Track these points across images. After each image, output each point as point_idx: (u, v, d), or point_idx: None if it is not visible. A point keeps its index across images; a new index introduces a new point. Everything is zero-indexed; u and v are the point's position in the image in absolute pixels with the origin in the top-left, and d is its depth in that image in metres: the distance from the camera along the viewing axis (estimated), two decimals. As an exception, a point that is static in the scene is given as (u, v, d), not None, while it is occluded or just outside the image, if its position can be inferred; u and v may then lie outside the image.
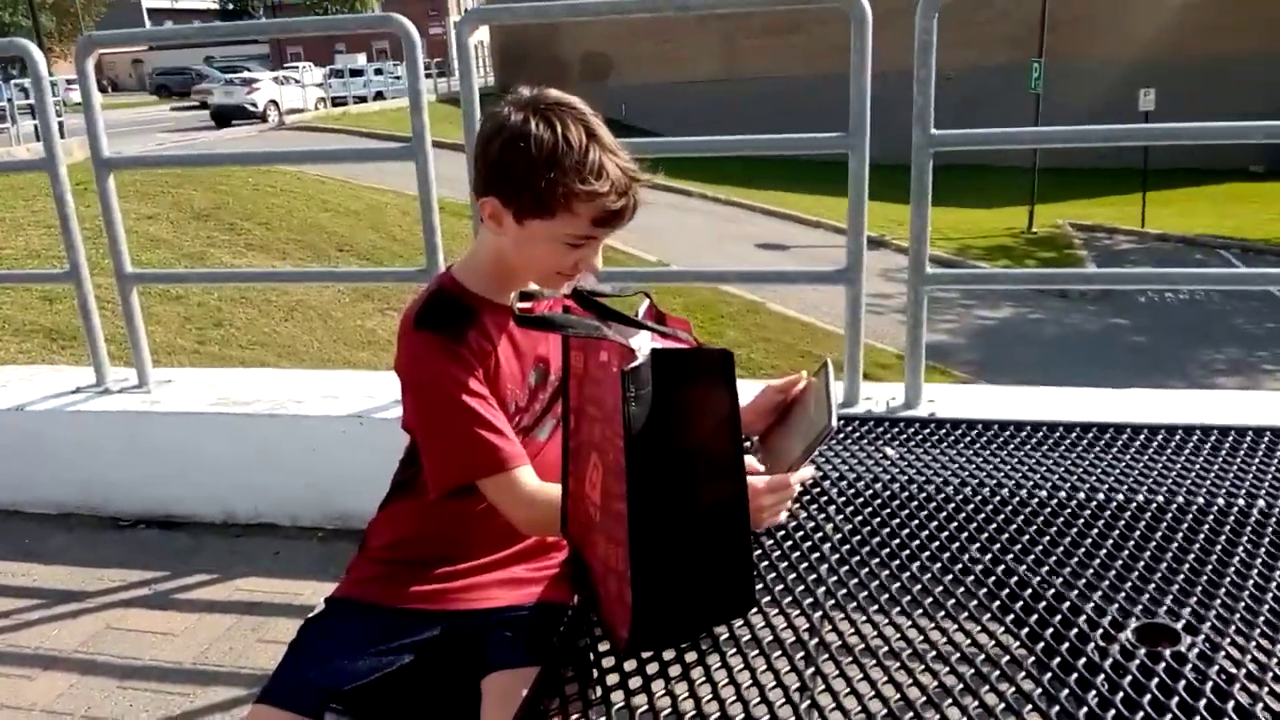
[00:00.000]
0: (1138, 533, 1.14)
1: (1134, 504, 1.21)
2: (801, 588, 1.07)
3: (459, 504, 1.31)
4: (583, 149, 1.13)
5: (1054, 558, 1.09)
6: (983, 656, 0.91)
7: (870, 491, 1.30)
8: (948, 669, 0.90)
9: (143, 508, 2.92)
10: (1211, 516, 1.17)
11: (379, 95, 31.20)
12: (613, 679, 0.95)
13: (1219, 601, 0.97)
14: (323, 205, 12.13)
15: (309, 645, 1.34)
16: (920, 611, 1.00)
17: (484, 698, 1.25)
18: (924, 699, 0.85)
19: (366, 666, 1.29)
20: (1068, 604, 0.99)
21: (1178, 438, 1.43)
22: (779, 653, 0.96)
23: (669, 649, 0.98)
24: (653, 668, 0.96)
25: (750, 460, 1.20)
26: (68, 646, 2.31)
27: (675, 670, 0.95)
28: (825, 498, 1.30)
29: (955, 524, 1.20)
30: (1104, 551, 1.10)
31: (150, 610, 2.46)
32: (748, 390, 1.39)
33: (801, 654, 0.95)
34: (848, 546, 1.16)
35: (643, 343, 0.99)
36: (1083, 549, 1.11)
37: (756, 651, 0.96)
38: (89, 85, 2.81)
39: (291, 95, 28.19)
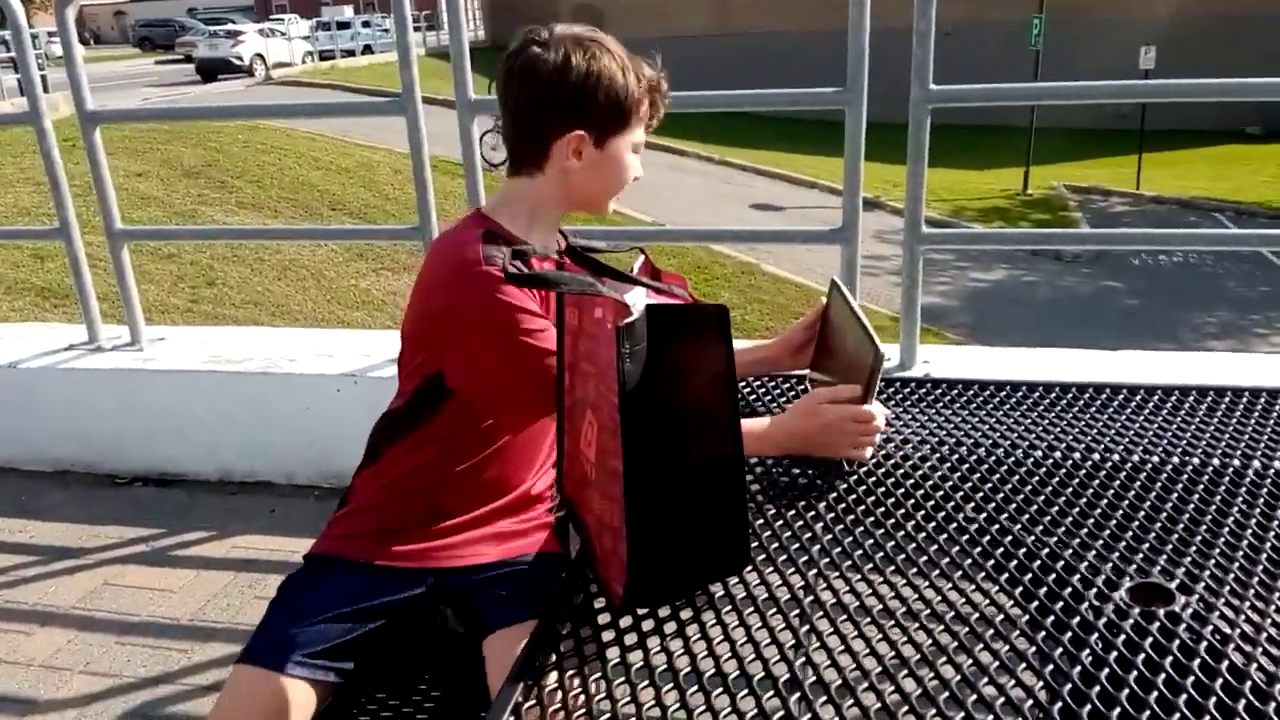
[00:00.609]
0: (1132, 493, 1.14)
1: (1129, 464, 1.22)
2: (796, 546, 1.07)
3: (446, 460, 1.32)
4: (628, 61, 1.29)
5: (1048, 518, 1.10)
6: (977, 615, 0.91)
7: (870, 450, 1.30)
8: (942, 628, 0.90)
9: (139, 465, 2.92)
10: (1206, 477, 1.17)
11: (367, 49, 30.67)
12: (608, 635, 0.95)
13: (1213, 562, 0.98)
14: (314, 163, 12.00)
15: (290, 604, 1.33)
16: (915, 571, 1.01)
17: (487, 660, 1.26)
18: (918, 657, 0.86)
19: (348, 624, 1.30)
20: (1062, 563, 0.99)
21: (1173, 399, 1.43)
22: (774, 610, 0.96)
23: (664, 606, 0.98)
24: (648, 625, 0.96)
25: (829, 390, 1.26)
26: (65, 603, 2.32)
27: (670, 627, 0.95)
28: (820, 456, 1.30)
29: (950, 484, 1.20)
30: (1098, 511, 1.10)
31: (147, 567, 2.47)
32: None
33: (796, 612, 0.95)
34: (843, 505, 1.16)
35: (638, 299, 0.98)
36: (1077, 509, 1.11)
37: (751, 609, 0.97)
38: (70, 37, 2.75)
39: (278, 49, 27.71)
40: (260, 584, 2.36)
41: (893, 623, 0.92)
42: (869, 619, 0.93)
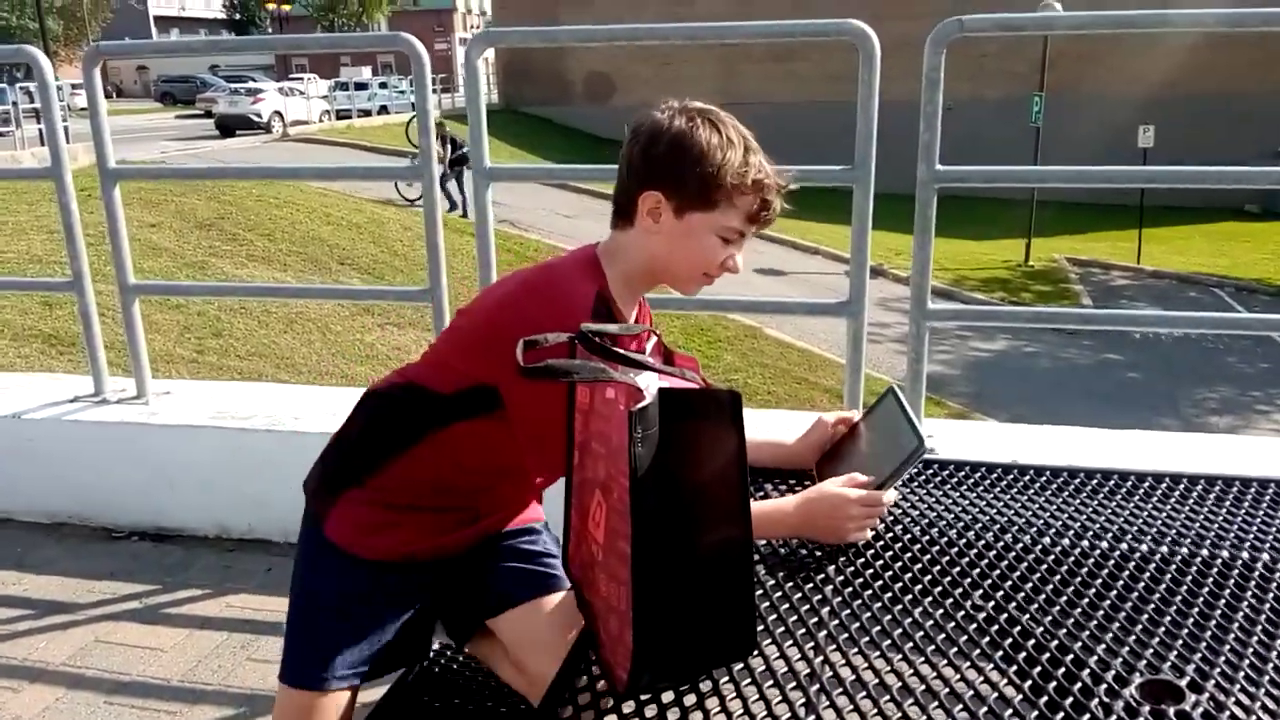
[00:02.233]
0: (1141, 584, 1.13)
1: (1138, 554, 1.21)
2: (802, 630, 1.06)
3: (471, 465, 1.33)
4: (744, 148, 1.25)
5: (1057, 607, 1.09)
6: (985, 707, 0.90)
7: (872, 532, 1.30)
8: (947, 716, 0.89)
9: (136, 519, 2.90)
10: (1215, 569, 1.17)
11: (383, 109, 31.30)
12: None
13: (1223, 659, 0.96)
14: (325, 218, 12.14)
15: (314, 610, 1.40)
16: (922, 657, 1.00)
17: (505, 632, 1.33)
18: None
19: (371, 625, 1.36)
20: (1071, 656, 0.98)
21: (1182, 486, 1.43)
22: (780, 693, 0.95)
23: (667, 690, 0.97)
24: (651, 710, 0.95)
25: (848, 476, 1.26)
26: (55, 659, 2.29)
27: (674, 714, 0.94)
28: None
29: (958, 568, 1.19)
30: (1107, 603, 1.09)
31: (140, 624, 2.44)
32: (761, 419, 1.40)
33: (802, 700, 0.94)
34: (850, 588, 1.15)
35: (650, 381, 0.98)
36: (1086, 599, 1.10)
37: (758, 690, 0.96)
38: (96, 95, 2.81)
39: (296, 107, 28.26)
40: (253, 645, 2.33)
41: (898, 710, 0.91)
42: (874, 705, 0.92)
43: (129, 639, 2.37)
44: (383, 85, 33.51)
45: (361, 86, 32.75)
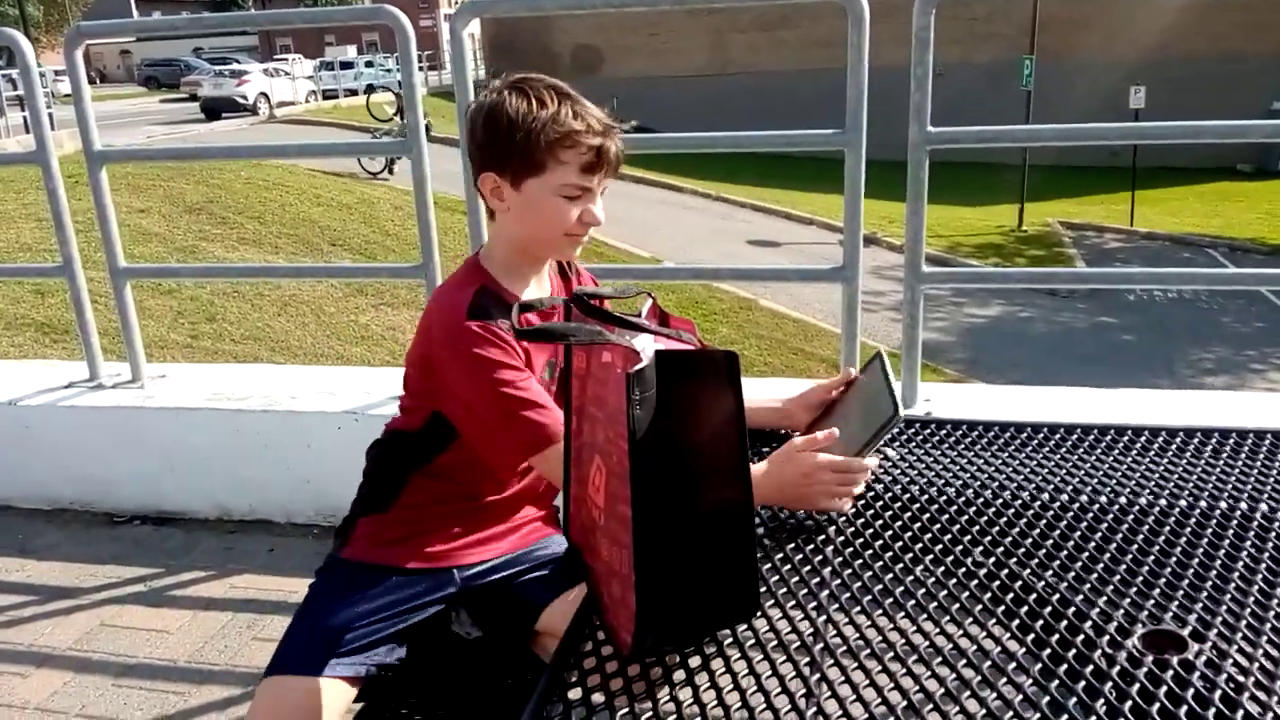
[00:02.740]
0: (1141, 537, 1.14)
1: (1136, 507, 1.22)
2: (805, 590, 1.07)
3: (466, 488, 1.40)
4: (556, 104, 1.24)
5: (1058, 562, 1.09)
6: (989, 663, 0.91)
7: (871, 493, 1.30)
8: (953, 673, 0.90)
9: (137, 504, 2.90)
10: (1214, 521, 1.17)
11: (370, 88, 31.00)
12: (616, 685, 0.94)
13: (1224, 608, 0.97)
14: (315, 199, 12.06)
15: (315, 611, 1.38)
16: (925, 615, 1.00)
17: (547, 632, 1.36)
18: (929, 702, 0.85)
19: (377, 625, 1.35)
20: (1073, 609, 0.99)
21: (1178, 440, 1.44)
22: (784, 657, 0.96)
23: (673, 654, 0.97)
24: (656, 672, 0.95)
25: (807, 438, 1.22)
26: (61, 644, 2.29)
27: (679, 675, 0.94)
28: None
29: (958, 526, 1.20)
30: (1107, 556, 1.10)
31: (145, 607, 2.45)
32: (757, 388, 1.40)
33: (806, 659, 0.95)
34: (850, 549, 1.16)
35: (646, 344, 0.98)
36: (1086, 553, 1.11)
37: (761, 656, 0.96)
38: (79, 77, 2.78)
39: (281, 88, 28.02)
40: (258, 625, 2.34)
41: (904, 668, 0.91)
42: (879, 664, 0.92)
43: (134, 622, 2.38)
44: (369, 64, 33.17)
45: (347, 65, 32.41)
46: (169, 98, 34.79)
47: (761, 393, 1.50)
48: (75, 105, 2.78)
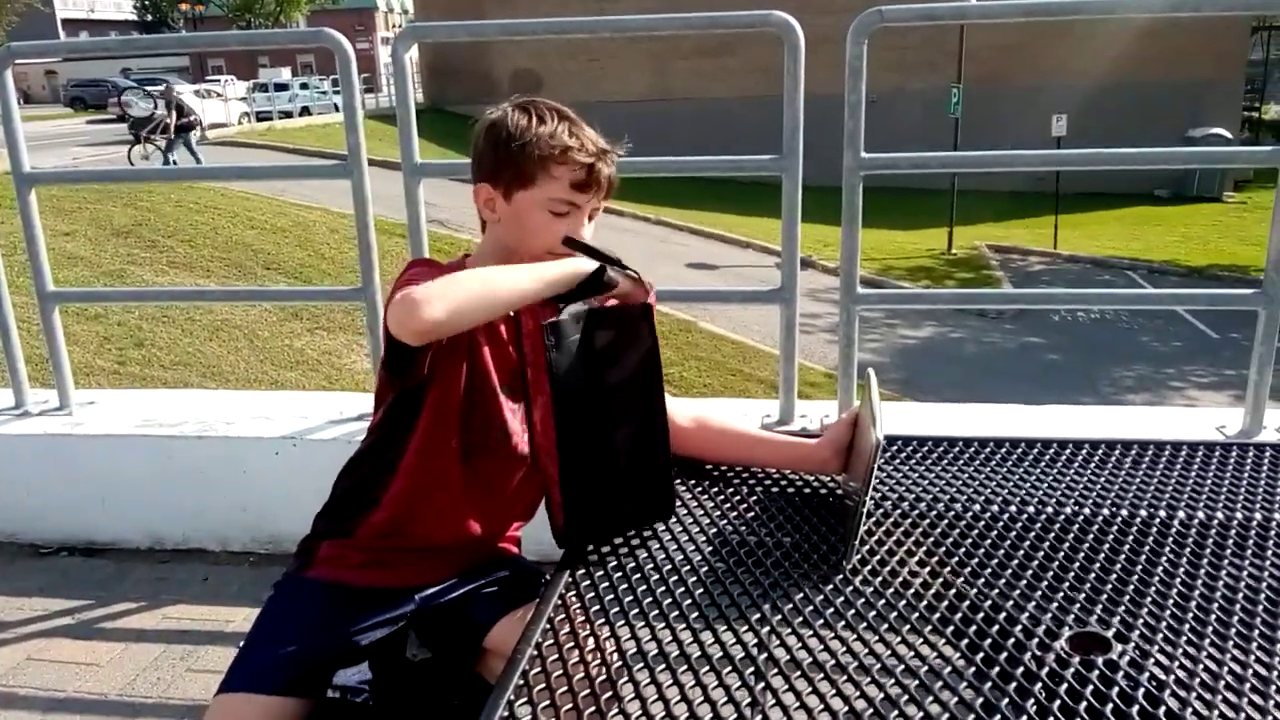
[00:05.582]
0: (1066, 545, 1.19)
1: (1061, 517, 1.27)
2: (749, 604, 1.09)
3: (443, 492, 1.36)
4: (554, 122, 1.30)
5: (989, 570, 1.14)
6: (925, 669, 0.94)
7: (808, 508, 1.33)
8: (892, 681, 0.93)
9: (64, 534, 2.81)
10: (1135, 528, 1.23)
11: (305, 111, 30.62)
12: (564, 701, 0.96)
13: (1145, 610, 1.02)
14: (249, 222, 11.86)
15: (272, 626, 1.35)
16: (864, 625, 1.03)
17: (493, 652, 1.35)
18: (871, 711, 0.88)
19: (329, 645, 1.33)
20: (1004, 615, 1.03)
21: (1100, 453, 1.50)
22: (729, 668, 0.98)
23: (622, 671, 0.99)
24: (604, 688, 0.97)
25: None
26: (-15, 680, 2.21)
27: (627, 690, 0.96)
28: (767, 514, 1.32)
29: (894, 539, 1.23)
30: (1036, 563, 1.15)
31: (74, 640, 2.37)
32: (734, 410, 1.43)
33: (751, 669, 0.97)
34: (790, 561, 1.19)
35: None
36: (1016, 561, 1.15)
37: (708, 668, 0.98)
38: (9, 98, 2.72)
39: (214, 110, 27.49)
40: (192, 656, 2.28)
41: (845, 677, 0.94)
42: (822, 673, 0.95)
43: (63, 655, 2.30)
44: (304, 86, 32.77)
45: (282, 87, 31.97)
46: (96, 118, 33.91)
47: (705, 409, 1.54)
48: (4, 126, 2.72)
